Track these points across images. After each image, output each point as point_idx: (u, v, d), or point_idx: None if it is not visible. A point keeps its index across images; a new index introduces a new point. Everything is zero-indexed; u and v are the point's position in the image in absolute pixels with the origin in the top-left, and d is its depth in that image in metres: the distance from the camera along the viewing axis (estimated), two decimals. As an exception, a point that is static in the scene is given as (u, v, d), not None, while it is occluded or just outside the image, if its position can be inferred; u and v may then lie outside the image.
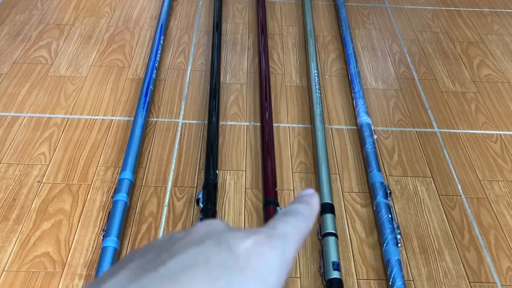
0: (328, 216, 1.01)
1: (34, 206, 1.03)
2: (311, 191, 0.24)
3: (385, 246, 0.96)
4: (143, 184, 1.10)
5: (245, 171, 1.15)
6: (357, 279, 0.95)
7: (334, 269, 0.91)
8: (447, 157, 1.22)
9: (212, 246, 0.18)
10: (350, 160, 1.20)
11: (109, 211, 1.00)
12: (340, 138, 1.26)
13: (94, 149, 1.17)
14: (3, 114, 1.26)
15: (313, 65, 1.43)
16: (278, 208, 1.03)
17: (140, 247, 0.21)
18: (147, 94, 1.28)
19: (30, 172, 1.11)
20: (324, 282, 0.91)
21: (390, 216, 1.02)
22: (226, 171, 1.15)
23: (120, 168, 1.11)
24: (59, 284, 0.90)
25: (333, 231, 0.98)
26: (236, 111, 1.32)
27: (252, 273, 0.18)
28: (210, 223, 0.21)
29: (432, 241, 1.03)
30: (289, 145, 1.23)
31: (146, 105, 1.25)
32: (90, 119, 1.26)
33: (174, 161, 1.16)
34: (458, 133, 1.30)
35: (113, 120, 1.26)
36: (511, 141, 1.28)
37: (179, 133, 1.24)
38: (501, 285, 0.96)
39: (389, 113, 1.35)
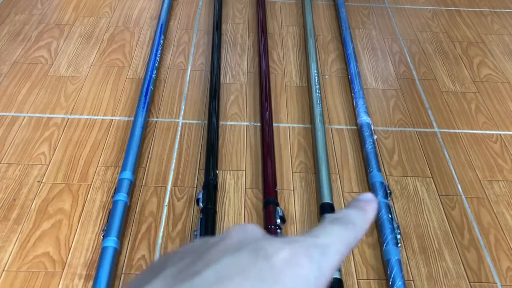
0: (328, 216, 1.01)
1: (34, 206, 1.03)
2: (370, 196, 0.22)
3: (385, 246, 0.96)
4: (143, 184, 1.10)
5: (245, 171, 1.15)
6: (357, 279, 0.95)
7: (334, 269, 0.91)
8: (447, 157, 1.22)
9: (248, 256, 0.18)
10: (350, 160, 1.20)
11: (109, 211, 1.00)
12: (340, 138, 1.26)
13: (94, 149, 1.17)
14: (3, 114, 1.26)
15: (313, 65, 1.43)
16: (278, 208, 1.03)
17: (173, 252, 0.20)
18: (147, 94, 1.28)
19: (30, 172, 1.10)
20: (324, 282, 0.91)
21: (390, 216, 1.02)
22: (226, 171, 1.15)
23: (120, 168, 1.11)
24: (59, 284, 0.90)
25: (333, 231, 0.98)
26: (236, 111, 1.32)
27: (287, 287, 0.17)
28: (245, 228, 0.20)
29: (432, 241, 1.03)
30: (289, 145, 1.23)
31: (146, 105, 1.25)
32: (90, 119, 1.26)
33: (174, 161, 1.16)
34: (458, 133, 1.30)
35: (113, 120, 1.26)
36: (511, 141, 1.28)
37: (179, 133, 1.24)
38: (501, 285, 0.96)
39: (389, 113, 1.35)
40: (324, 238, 0.19)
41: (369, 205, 0.22)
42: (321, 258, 0.18)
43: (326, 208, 1.03)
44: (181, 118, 1.29)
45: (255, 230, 0.20)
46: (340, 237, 0.19)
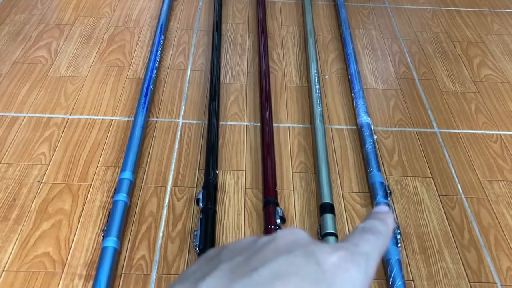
0: (328, 216, 1.01)
1: (34, 206, 1.03)
2: (386, 208, 0.24)
3: (385, 246, 0.96)
4: (143, 184, 1.10)
5: (245, 171, 1.15)
6: (357, 279, 0.95)
7: (334, 269, 0.91)
8: (447, 157, 1.22)
9: (300, 257, 0.19)
10: (350, 160, 1.20)
11: (109, 211, 1.00)
12: (340, 138, 1.26)
13: (94, 149, 1.17)
14: (3, 114, 1.26)
15: (313, 65, 1.43)
16: (278, 208, 1.03)
17: (222, 247, 0.21)
18: (147, 94, 1.28)
19: (30, 172, 1.10)
20: (324, 282, 0.91)
21: (390, 216, 1.02)
22: (226, 171, 1.15)
23: (120, 168, 1.11)
24: (59, 284, 0.90)
25: (333, 231, 0.98)
26: (236, 111, 1.32)
27: None
28: (294, 232, 0.21)
29: (432, 241, 1.03)
30: (289, 145, 1.23)
31: (146, 105, 1.25)
32: (90, 119, 1.26)
33: (174, 161, 1.16)
34: (458, 133, 1.30)
35: (113, 120, 1.26)
36: (511, 141, 1.28)
37: (179, 133, 1.24)
38: (501, 285, 0.96)
39: (389, 113, 1.35)
40: (364, 246, 0.21)
41: (388, 216, 0.23)
42: (366, 264, 0.20)
43: (326, 208, 1.03)
44: (181, 118, 1.29)
45: (303, 234, 0.21)
46: (375, 245, 0.21)
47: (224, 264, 0.19)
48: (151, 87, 1.31)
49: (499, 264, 0.99)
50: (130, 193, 1.05)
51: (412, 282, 0.95)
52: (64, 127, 1.23)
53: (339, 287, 0.18)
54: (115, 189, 1.04)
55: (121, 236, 0.96)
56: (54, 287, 0.90)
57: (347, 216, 1.06)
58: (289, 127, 1.28)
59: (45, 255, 0.95)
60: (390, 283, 0.91)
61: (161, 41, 1.50)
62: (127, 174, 1.06)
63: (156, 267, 0.95)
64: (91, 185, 1.09)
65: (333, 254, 0.19)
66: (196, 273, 0.19)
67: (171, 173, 1.13)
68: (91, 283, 0.90)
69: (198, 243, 0.95)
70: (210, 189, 1.06)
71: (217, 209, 1.05)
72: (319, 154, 1.15)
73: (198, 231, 0.97)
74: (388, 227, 0.23)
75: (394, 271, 0.92)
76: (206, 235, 0.97)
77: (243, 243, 0.21)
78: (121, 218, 0.98)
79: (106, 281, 0.87)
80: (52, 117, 1.26)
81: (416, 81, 1.47)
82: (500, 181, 1.17)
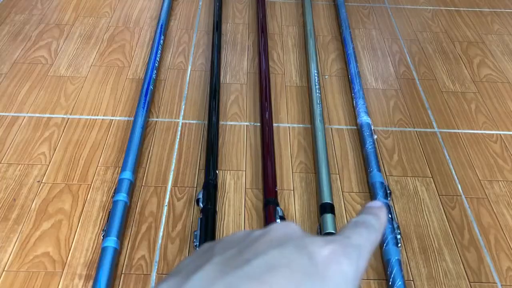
0: (328, 216, 1.01)
1: (34, 206, 1.03)
2: (379, 203, 0.24)
3: (385, 246, 0.96)
4: (143, 184, 1.10)
5: (245, 171, 1.15)
6: (357, 279, 0.95)
7: (334, 269, 0.91)
8: (447, 157, 1.22)
9: (292, 250, 0.19)
10: (350, 160, 1.20)
11: (109, 211, 1.00)
12: (340, 138, 1.26)
13: (94, 149, 1.17)
14: (3, 114, 1.26)
15: (313, 65, 1.43)
16: (278, 208, 1.03)
17: (216, 241, 0.21)
18: (147, 94, 1.28)
19: (30, 172, 1.10)
20: (324, 282, 0.91)
21: (390, 216, 1.02)
22: (226, 171, 1.15)
23: (120, 168, 1.11)
24: (59, 284, 0.90)
25: (333, 231, 0.98)
26: (236, 111, 1.32)
27: (331, 282, 0.18)
28: (287, 225, 0.21)
29: (432, 241, 1.03)
30: (289, 145, 1.22)
31: (146, 105, 1.25)
32: (90, 119, 1.26)
33: (174, 161, 1.16)
34: (458, 133, 1.30)
35: (113, 120, 1.26)
36: (511, 141, 1.28)
37: (179, 133, 1.24)
38: (501, 285, 0.96)
39: (389, 113, 1.35)
40: (356, 239, 0.21)
41: (381, 211, 0.23)
42: (357, 257, 0.20)
43: (326, 208, 1.03)
44: (181, 118, 1.29)
45: (296, 227, 0.21)
46: (368, 238, 0.21)
47: (217, 257, 0.19)
48: (151, 87, 1.31)
49: (499, 264, 0.99)
50: (130, 193, 1.05)
51: (412, 282, 0.95)
52: (64, 127, 1.23)
53: (331, 280, 0.18)
54: (115, 189, 1.04)
55: (121, 236, 0.96)
56: (54, 287, 0.90)
57: (347, 216, 1.06)
58: (289, 127, 1.28)
59: (45, 255, 0.95)
60: (390, 283, 0.91)
61: (161, 41, 1.50)
62: (127, 174, 1.06)
63: (156, 267, 0.95)
64: (91, 185, 1.09)
65: (325, 247, 0.19)
66: (189, 266, 0.19)
67: (171, 173, 1.13)
68: (91, 283, 0.90)
69: (198, 243, 0.95)
70: (210, 189, 1.06)
71: (217, 209, 1.05)
72: (319, 154, 1.15)
73: (198, 231, 0.97)
74: (381, 221, 0.23)
75: (394, 271, 0.92)
76: (206, 235, 0.97)
77: (237, 236, 0.21)
78: (121, 218, 0.98)
79: (106, 281, 0.87)
80: (52, 117, 1.26)
81: (416, 81, 1.47)
82: (500, 181, 1.17)
